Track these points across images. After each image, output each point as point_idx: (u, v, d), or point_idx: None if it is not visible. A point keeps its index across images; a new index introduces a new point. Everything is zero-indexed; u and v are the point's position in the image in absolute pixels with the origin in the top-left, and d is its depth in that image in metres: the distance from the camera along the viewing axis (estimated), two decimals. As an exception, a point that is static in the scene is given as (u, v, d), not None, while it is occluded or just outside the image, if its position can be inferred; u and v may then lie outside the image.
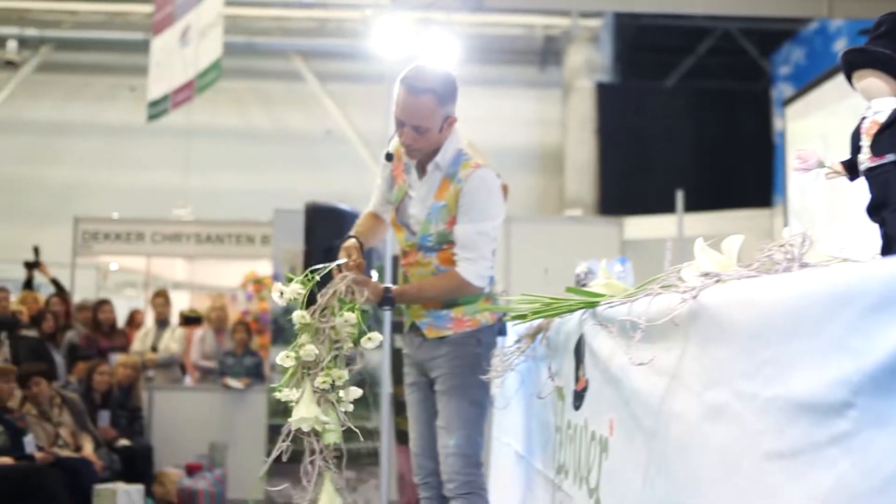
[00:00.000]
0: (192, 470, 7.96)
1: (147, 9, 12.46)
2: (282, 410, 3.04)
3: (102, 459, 7.32)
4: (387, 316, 7.20)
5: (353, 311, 3.12)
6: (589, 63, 13.67)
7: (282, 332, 8.04)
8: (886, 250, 2.33)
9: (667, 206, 9.76)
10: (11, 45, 13.67)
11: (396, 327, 7.15)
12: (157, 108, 11.57)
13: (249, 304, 11.28)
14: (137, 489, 7.12)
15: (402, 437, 7.49)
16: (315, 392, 3.03)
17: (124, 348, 9.02)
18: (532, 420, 3.58)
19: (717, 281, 1.81)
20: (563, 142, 13.78)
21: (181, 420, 8.79)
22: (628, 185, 13.16)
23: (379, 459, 7.43)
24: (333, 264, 3.25)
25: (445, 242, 3.46)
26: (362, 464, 7.74)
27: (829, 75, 7.85)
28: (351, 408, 3.08)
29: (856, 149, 2.44)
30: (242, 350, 8.99)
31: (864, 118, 2.42)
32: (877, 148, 2.35)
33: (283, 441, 2.99)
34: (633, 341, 2.05)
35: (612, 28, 14.02)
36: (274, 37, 13.97)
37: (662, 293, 2.02)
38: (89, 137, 14.30)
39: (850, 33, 10.73)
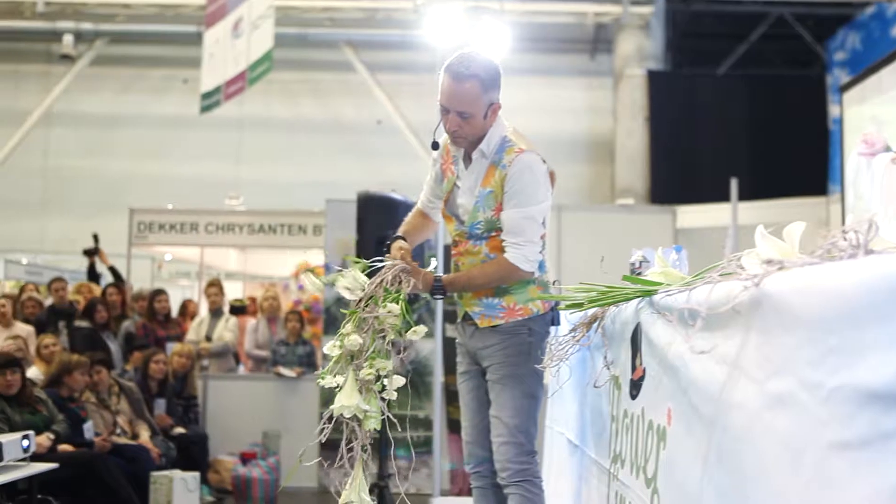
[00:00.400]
0: (246, 458, 8.05)
1: (199, 1, 12.61)
2: (333, 399, 3.06)
3: (159, 447, 7.43)
4: (439, 305, 7.23)
5: (397, 302, 3.13)
6: (640, 51, 13.53)
7: (334, 322, 8.08)
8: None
9: (719, 195, 9.63)
10: (67, 39, 13.88)
11: (449, 316, 7.17)
12: (210, 100, 11.71)
13: (302, 293, 11.37)
14: (193, 476, 7.22)
15: (454, 426, 7.52)
16: (357, 380, 3.05)
17: (179, 338, 9.14)
18: (586, 409, 3.56)
19: (780, 268, 1.78)
20: (614, 130, 13.67)
21: (235, 408, 8.90)
22: (679, 173, 13.00)
23: (431, 448, 7.47)
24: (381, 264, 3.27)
25: (494, 230, 3.46)
26: (416, 452, 7.78)
27: (887, 61, 7.69)
28: (395, 396, 3.10)
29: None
30: (295, 339, 9.06)
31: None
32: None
33: (326, 425, 3.02)
34: (692, 329, 2.03)
35: (663, 15, 13.86)
36: (324, 27, 14.02)
37: (722, 281, 1.99)
38: (143, 129, 14.51)
39: (909, 18, 10.51)
